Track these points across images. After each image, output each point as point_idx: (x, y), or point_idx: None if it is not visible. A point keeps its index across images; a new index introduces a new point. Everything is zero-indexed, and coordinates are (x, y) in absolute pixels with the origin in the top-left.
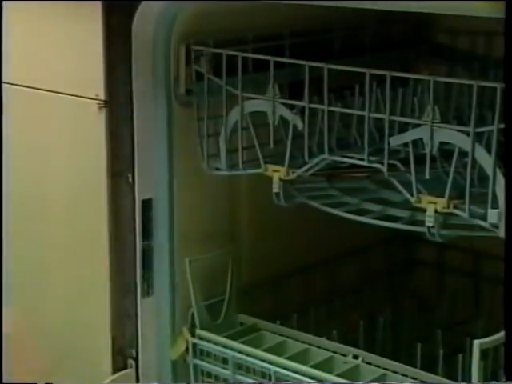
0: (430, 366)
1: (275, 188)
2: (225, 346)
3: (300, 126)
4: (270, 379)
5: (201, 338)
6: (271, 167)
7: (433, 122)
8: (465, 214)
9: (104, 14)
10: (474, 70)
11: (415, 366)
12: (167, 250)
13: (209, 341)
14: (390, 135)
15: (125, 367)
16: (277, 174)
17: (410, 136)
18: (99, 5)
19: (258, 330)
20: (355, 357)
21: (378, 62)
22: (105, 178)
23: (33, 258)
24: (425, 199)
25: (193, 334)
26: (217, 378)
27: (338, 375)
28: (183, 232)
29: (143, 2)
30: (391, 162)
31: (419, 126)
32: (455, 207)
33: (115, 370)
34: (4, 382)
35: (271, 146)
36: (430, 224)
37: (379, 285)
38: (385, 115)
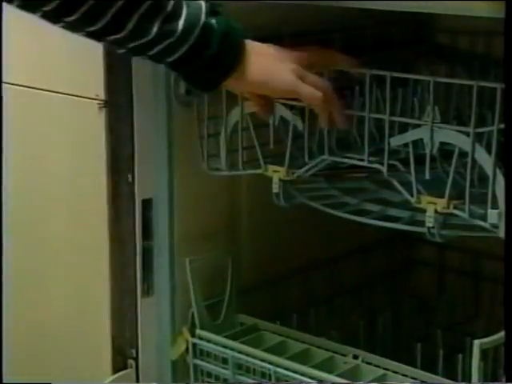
0: (429, 366)
1: (275, 188)
2: (225, 346)
3: (300, 126)
4: (269, 379)
5: (201, 338)
6: (271, 167)
7: (433, 123)
8: (465, 215)
9: None
10: (474, 69)
11: (415, 366)
12: (167, 250)
13: (209, 341)
14: (390, 135)
15: (125, 367)
16: (277, 174)
17: (410, 136)
18: None
19: (258, 329)
20: (355, 357)
21: (378, 62)
22: (105, 177)
23: (33, 257)
24: (425, 199)
25: (193, 334)
26: (217, 378)
27: (338, 375)
28: (183, 232)
29: None
30: (391, 162)
31: (419, 126)
32: (455, 207)
33: (115, 370)
34: (4, 382)
35: (271, 146)
36: (430, 224)
37: (379, 285)
38: (385, 116)
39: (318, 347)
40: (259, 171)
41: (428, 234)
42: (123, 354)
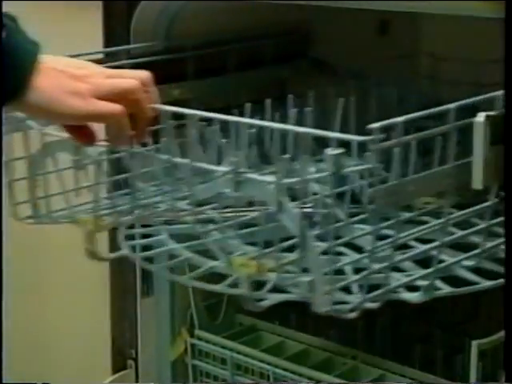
0: (428, 367)
1: (86, 243)
2: (223, 347)
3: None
4: (268, 380)
5: (199, 339)
6: (81, 218)
7: (236, 172)
8: (276, 281)
9: (104, 14)
10: (355, 88)
11: (414, 367)
12: None
13: (207, 341)
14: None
15: (124, 367)
16: (85, 225)
17: (213, 188)
18: (99, 5)
19: (257, 330)
20: (354, 357)
21: (244, 81)
22: None
23: (32, 257)
24: (236, 262)
25: (191, 335)
26: (215, 378)
27: (337, 376)
28: None
29: (142, 2)
30: (200, 210)
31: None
32: (270, 270)
33: (115, 370)
34: (4, 382)
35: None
36: (244, 290)
37: None
38: (188, 160)
39: (317, 348)
40: (73, 220)
41: (243, 302)
42: (123, 355)
